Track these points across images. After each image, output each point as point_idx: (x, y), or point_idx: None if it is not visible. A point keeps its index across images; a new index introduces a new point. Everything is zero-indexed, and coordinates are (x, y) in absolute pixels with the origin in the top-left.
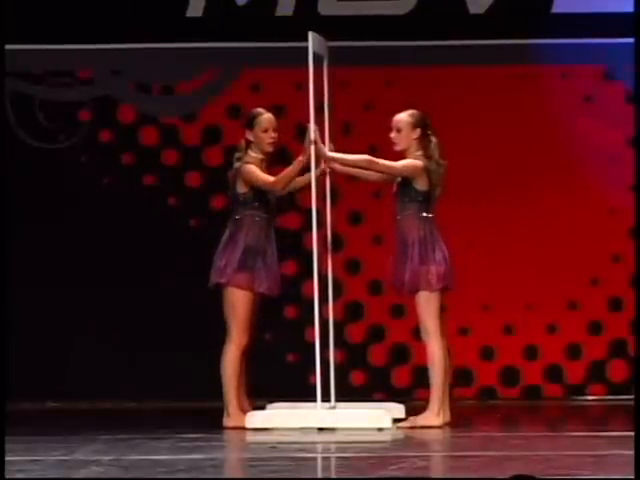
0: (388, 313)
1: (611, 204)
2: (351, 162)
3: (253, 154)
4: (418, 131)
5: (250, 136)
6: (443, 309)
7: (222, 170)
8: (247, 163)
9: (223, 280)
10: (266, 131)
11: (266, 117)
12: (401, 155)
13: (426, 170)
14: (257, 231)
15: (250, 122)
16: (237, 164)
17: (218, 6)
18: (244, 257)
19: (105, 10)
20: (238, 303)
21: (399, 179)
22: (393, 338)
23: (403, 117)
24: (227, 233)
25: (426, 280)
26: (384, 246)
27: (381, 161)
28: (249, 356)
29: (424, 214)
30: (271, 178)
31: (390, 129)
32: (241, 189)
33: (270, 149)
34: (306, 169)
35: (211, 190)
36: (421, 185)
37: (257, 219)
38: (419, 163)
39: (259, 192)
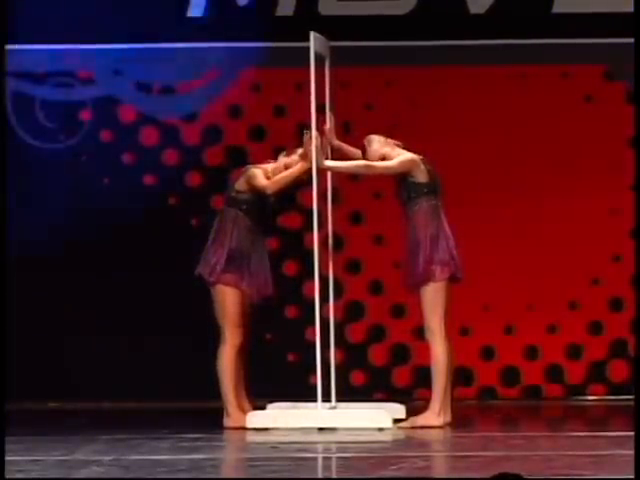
0: (388, 313)
1: (611, 204)
2: (349, 170)
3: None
4: (391, 142)
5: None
6: (447, 310)
7: (222, 170)
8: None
9: (212, 279)
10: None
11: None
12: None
13: (422, 161)
14: (240, 233)
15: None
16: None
17: (219, 6)
18: (230, 257)
19: (105, 10)
20: (227, 301)
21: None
22: (393, 338)
23: (371, 135)
24: (214, 227)
25: (430, 271)
26: (384, 246)
27: (378, 164)
28: (246, 356)
29: (434, 204)
30: (265, 182)
31: (388, 129)
32: (240, 187)
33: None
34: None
35: (211, 190)
36: (422, 178)
37: (239, 220)
38: (414, 155)
39: (253, 200)
